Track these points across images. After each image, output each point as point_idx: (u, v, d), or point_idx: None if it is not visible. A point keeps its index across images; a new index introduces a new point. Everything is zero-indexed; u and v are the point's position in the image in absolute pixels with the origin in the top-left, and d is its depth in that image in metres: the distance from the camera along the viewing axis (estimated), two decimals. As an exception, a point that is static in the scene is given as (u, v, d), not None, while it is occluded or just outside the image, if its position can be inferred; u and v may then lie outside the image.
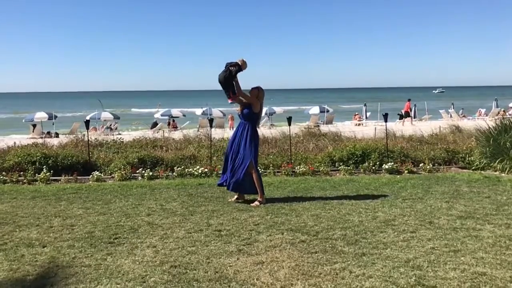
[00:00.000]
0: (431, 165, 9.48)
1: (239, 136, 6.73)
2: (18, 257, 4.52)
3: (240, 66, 6.61)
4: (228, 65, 6.61)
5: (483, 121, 18.66)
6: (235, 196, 6.88)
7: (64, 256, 4.54)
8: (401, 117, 30.20)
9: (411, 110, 29.75)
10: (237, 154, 6.70)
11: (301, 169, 9.13)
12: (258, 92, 6.80)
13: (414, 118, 29.92)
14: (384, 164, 9.39)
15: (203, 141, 12.38)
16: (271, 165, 9.46)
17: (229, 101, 6.84)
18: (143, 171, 9.12)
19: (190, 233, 5.23)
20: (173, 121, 28.86)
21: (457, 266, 4.08)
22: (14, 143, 12.50)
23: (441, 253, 4.41)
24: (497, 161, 9.07)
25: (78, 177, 9.01)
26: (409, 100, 30.07)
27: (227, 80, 6.56)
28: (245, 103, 6.75)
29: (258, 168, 7.23)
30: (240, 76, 6.72)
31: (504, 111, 30.27)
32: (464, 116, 32.36)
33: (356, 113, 33.59)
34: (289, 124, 10.59)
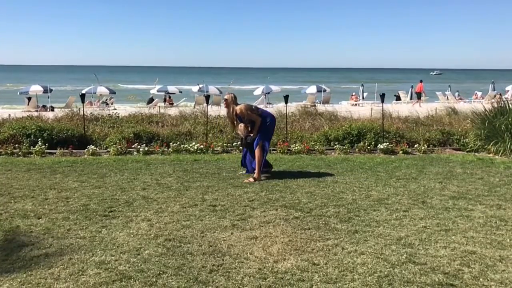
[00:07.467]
0: (426, 146, 9.52)
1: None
2: (13, 228, 4.55)
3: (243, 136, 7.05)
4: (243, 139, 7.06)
5: (479, 103, 18.65)
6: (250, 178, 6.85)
7: (59, 227, 4.57)
8: (398, 98, 30.12)
9: (423, 91, 29.71)
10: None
11: (296, 148, 9.16)
12: (231, 102, 6.86)
13: (411, 99, 29.88)
14: (379, 144, 9.42)
15: (199, 117, 12.35)
16: (266, 143, 9.46)
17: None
18: (139, 146, 9.11)
19: (185, 207, 5.26)
20: (169, 97, 28.67)
21: (447, 244, 4.14)
22: (9, 115, 12.42)
23: (432, 232, 4.47)
24: (491, 144, 9.12)
25: (74, 150, 9.00)
26: (421, 81, 29.98)
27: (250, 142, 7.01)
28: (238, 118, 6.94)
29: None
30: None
31: (500, 94, 30.20)
32: (460, 99, 32.32)
33: (353, 93, 33.44)
34: (286, 102, 10.56)
